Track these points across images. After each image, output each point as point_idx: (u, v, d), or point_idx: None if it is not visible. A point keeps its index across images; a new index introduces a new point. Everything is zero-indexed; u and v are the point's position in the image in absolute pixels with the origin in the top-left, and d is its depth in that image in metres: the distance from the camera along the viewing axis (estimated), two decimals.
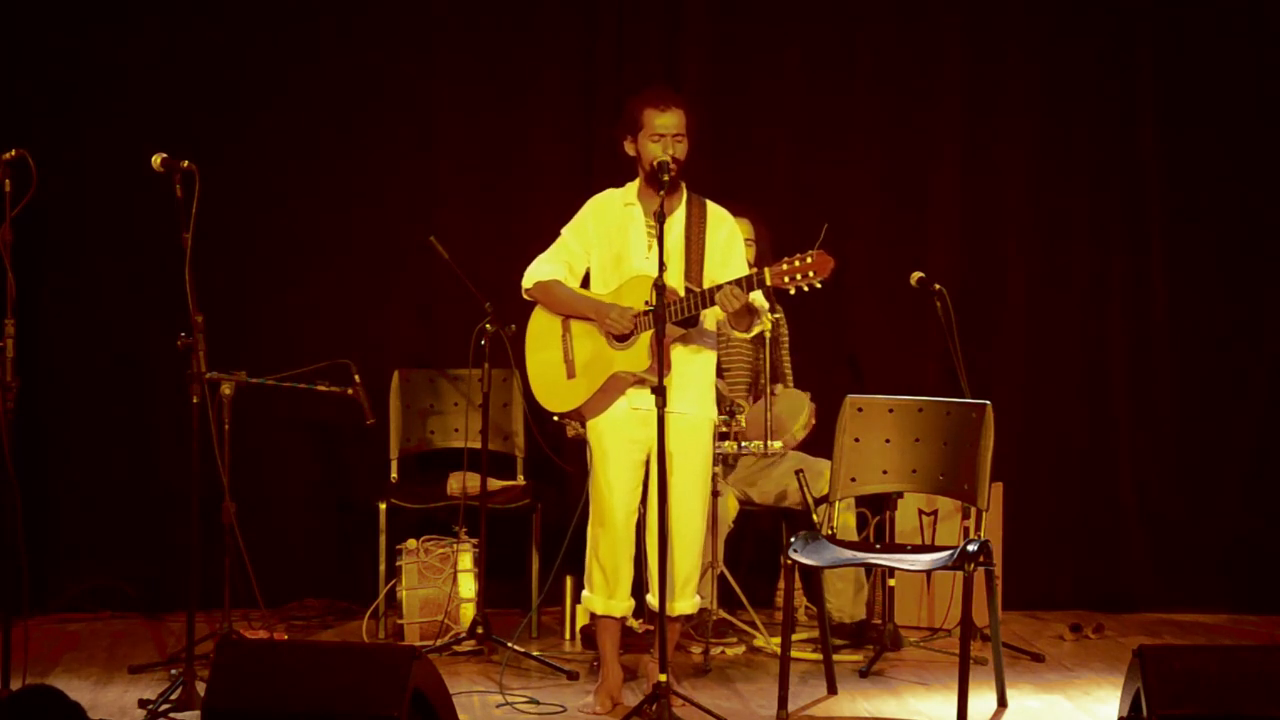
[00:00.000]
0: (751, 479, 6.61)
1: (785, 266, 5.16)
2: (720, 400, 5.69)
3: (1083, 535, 7.39)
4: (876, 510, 6.64)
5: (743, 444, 6.34)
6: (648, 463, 5.53)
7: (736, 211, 5.74)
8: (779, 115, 7.34)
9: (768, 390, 6.48)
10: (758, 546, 7.18)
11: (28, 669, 5.34)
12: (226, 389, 5.83)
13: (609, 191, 5.69)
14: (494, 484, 6.59)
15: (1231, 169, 7.36)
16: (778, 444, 6.44)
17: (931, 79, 7.34)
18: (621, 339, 5.47)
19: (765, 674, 6.05)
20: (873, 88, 7.34)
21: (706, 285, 5.42)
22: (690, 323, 5.41)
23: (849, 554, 5.77)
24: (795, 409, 6.59)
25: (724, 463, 6.48)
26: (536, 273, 5.65)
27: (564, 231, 5.68)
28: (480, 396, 6.28)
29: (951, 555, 5.54)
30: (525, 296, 5.68)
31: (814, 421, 6.64)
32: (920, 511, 6.71)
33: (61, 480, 7.03)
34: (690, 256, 5.51)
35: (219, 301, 5.90)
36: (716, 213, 5.60)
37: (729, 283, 5.26)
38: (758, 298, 5.37)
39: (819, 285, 5.14)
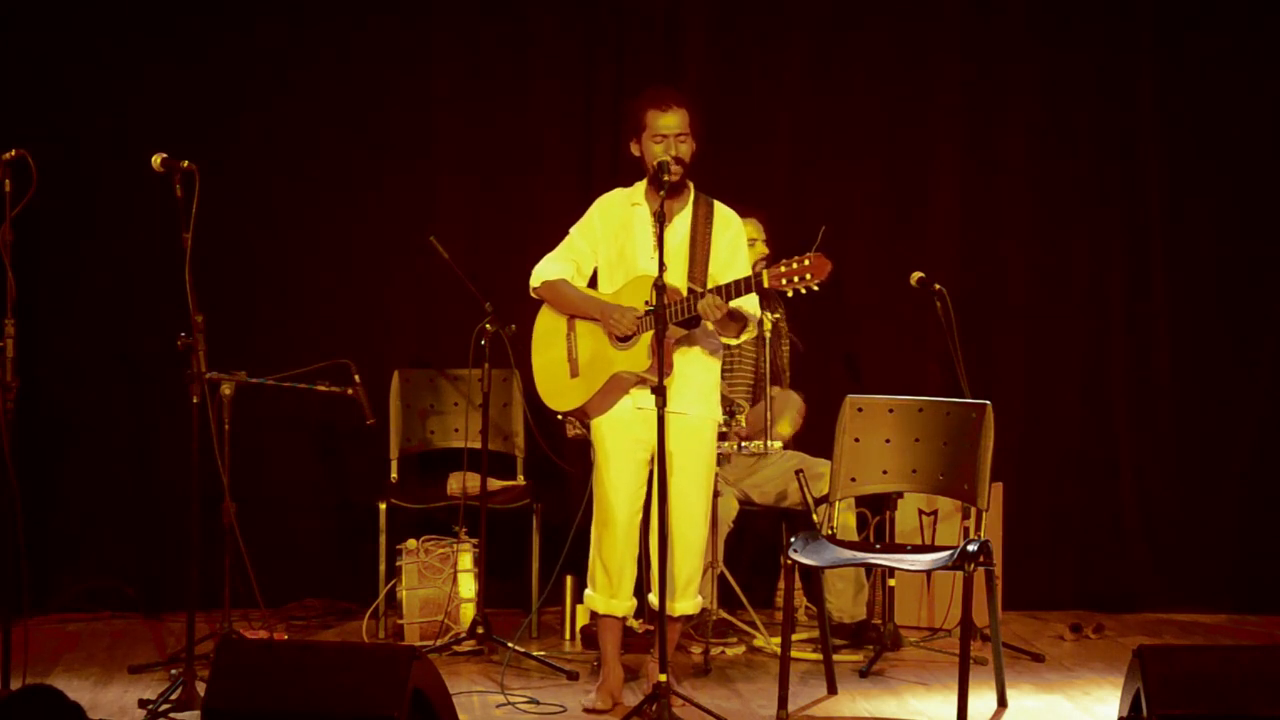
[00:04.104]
0: (749, 478, 6.61)
1: (783, 269, 5.16)
2: (720, 400, 5.69)
3: (1083, 535, 7.39)
4: (876, 510, 6.65)
5: (742, 444, 6.35)
6: (652, 462, 5.53)
7: (746, 212, 5.74)
8: (779, 116, 7.34)
9: (767, 388, 6.49)
10: (758, 546, 7.18)
11: (28, 669, 5.34)
12: (226, 389, 5.83)
13: (616, 191, 5.69)
14: (494, 484, 6.59)
15: (1232, 169, 7.36)
16: (777, 444, 6.45)
17: (931, 79, 7.35)
18: (624, 337, 5.47)
19: (765, 674, 6.05)
20: (873, 88, 7.35)
21: (710, 285, 5.42)
22: (692, 323, 5.41)
23: (849, 554, 5.77)
24: (782, 406, 6.61)
25: (724, 462, 6.47)
26: (544, 272, 5.65)
27: (572, 231, 5.69)
28: (480, 396, 6.28)
29: (951, 555, 5.54)
30: (532, 295, 5.69)
31: (801, 420, 6.66)
32: (920, 511, 6.71)
33: (61, 480, 7.03)
34: (694, 257, 5.51)
35: (219, 301, 5.90)
36: (723, 213, 5.60)
37: (709, 291, 5.27)
38: (749, 303, 5.37)
39: (816, 288, 5.14)
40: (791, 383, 6.83)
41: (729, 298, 5.27)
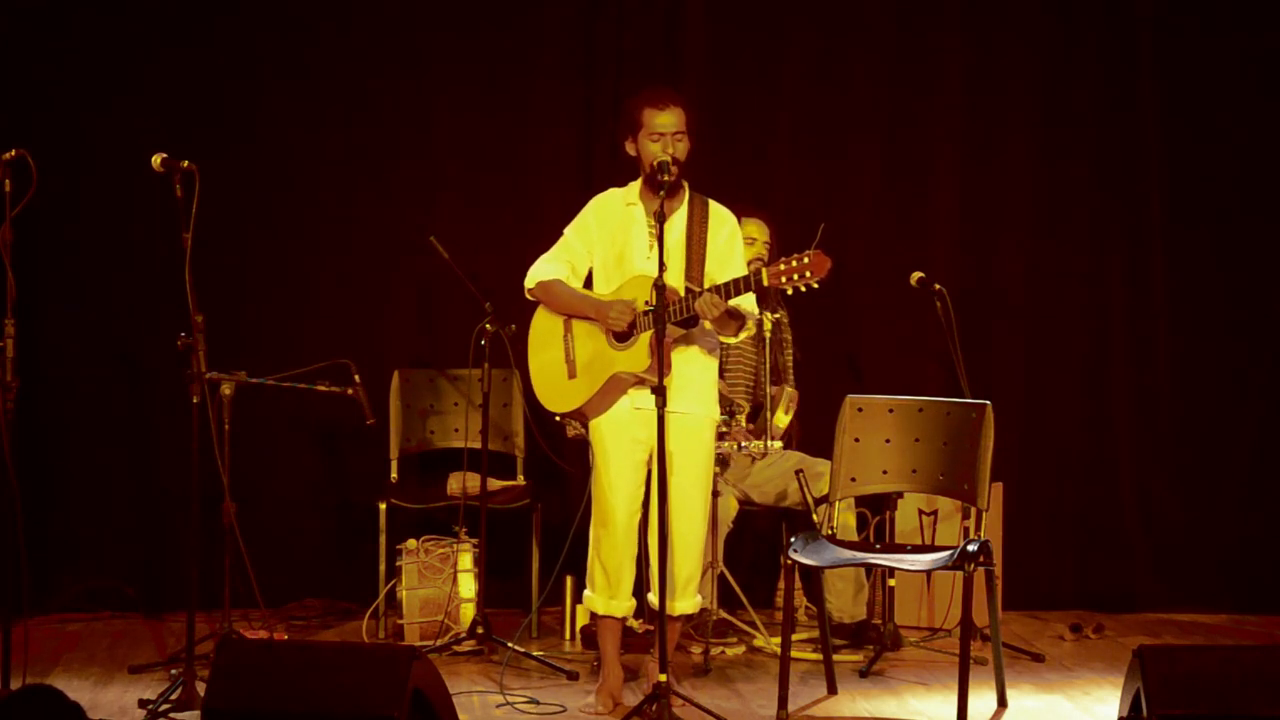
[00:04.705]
0: (749, 478, 6.61)
1: (782, 267, 5.16)
2: (720, 400, 5.69)
3: (1083, 536, 7.40)
4: (876, 510, 6.64)
5: (742, 444, 6.35)
6: (650, 462, 5.53)
7: (749, 213, 5.73)
8: (779, 115, 7.34)
9: (767, 388, 6.48)
10: (758, 546, 7.18)
11: (28, 669, 5.34)
12: (226, 389, 5.83)
13: (611, 191, 5.68)
14: (494, 484, 6.59)
15: (1232, 169, 7.36)
16: (777, 444, 6.45)
17: (931, 78, 7.35)
18: (622, 337, 5.47)
19: (765, 674, 6.05)
20: (873, 87, 7.34)
21: (707, 285, 5.42)
22: (690, 322, 5.41)
23: (849, 554, 5.77)
24: (775, 402, 6.61)
25: (722, 463, 6.47)
26: (538, 273, 5.65)
27: (566, 231, 5.68)
28: (480, 396, 6.28)
29: (951, 555, 5.54)
30: (528, 296, 5.69)
31: (795, 405, 6.65)
32: (920, 511, 6.71)
33: (61, 480, 7.03)
34: (691, 256, 5.51)
35: (219, 301, 5.90)
36: (719, 212, 5.60)
37: (708, 290, 5.27)
38: (746, 301, 5.37)
39: (816, 285, 5.14)
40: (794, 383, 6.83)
41: (728, 296, 5.27)
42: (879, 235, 7.34)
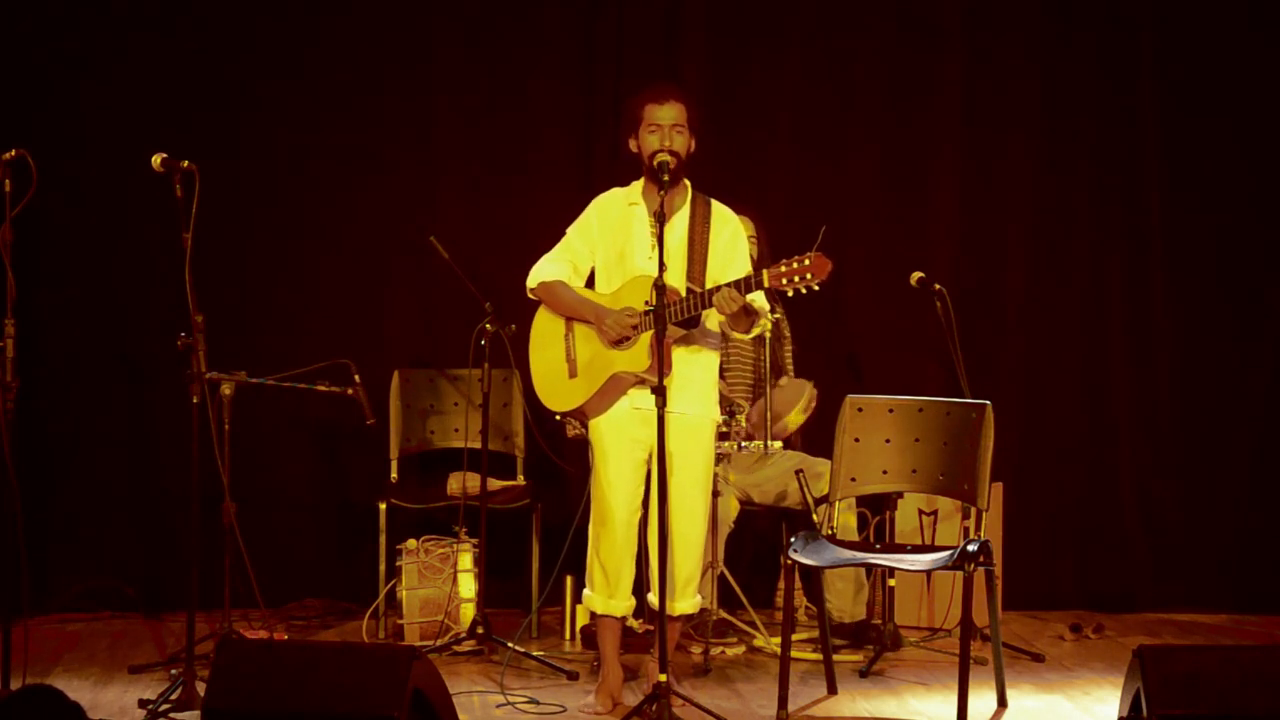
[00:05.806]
0: (750, 478, 6.61)
1: (783, 268, 5.16)
2: (720, 400, 5.69)
3: (1083, 535, 7.40)
4: (876, 510, 6.64)
5: (742, 444, 6.35)
6: (650, 462, 5.53)
7: (737, 210, 5.74)
8: (779, 115, 7.34)
9: (768, 387, 6.48)
10: (758, 546, 7.18)
11: (28, 669, 5.34)
12: (226, 389, 5.83)
13: (614, 190, 5.69)
14: (494, 484, 6.59)
15: (1232, 168, 7.36)
16: (777, 444, 6.44)
17: (932, 79, 7.35)
18: (619, 343, 5.47)
19: (765, 674, 6.05)
20: (873, 87, 7.34)
21: (709, 285, 5.42)
22: (691, 323, 5.41)
23: (849, 554, 5.77)
24: (795, 395, 6.61)
25: (725, 461, 6.47)
26: (540, 273, 5.65)
27: (569, 231, 5.69)
28: (480, 396, 6.28)
29: (951, 555, 5.54)
30: (529, 296, 5.69)
31: (814, 405, 6.65)
32: (920, 511, 6.71)
33: (61, 480, 7.03)
34: (693, 256, 5.51)
35: (219, 301, 5.90)
36: (721, 213, 5.60)
37: (726, 285, 5.26)
38: (758, 299, 5.37)
39: (816, 287, 5.14)
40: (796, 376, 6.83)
41: None
42: (879, 235, 7.34)
